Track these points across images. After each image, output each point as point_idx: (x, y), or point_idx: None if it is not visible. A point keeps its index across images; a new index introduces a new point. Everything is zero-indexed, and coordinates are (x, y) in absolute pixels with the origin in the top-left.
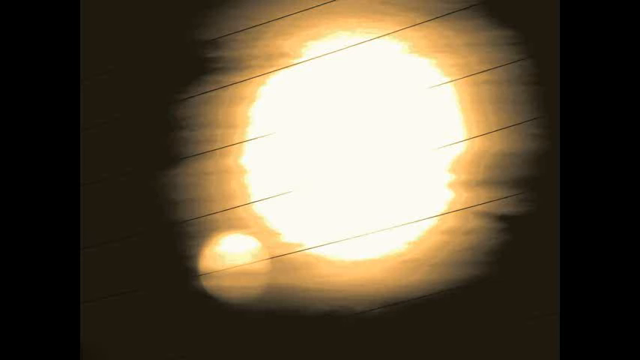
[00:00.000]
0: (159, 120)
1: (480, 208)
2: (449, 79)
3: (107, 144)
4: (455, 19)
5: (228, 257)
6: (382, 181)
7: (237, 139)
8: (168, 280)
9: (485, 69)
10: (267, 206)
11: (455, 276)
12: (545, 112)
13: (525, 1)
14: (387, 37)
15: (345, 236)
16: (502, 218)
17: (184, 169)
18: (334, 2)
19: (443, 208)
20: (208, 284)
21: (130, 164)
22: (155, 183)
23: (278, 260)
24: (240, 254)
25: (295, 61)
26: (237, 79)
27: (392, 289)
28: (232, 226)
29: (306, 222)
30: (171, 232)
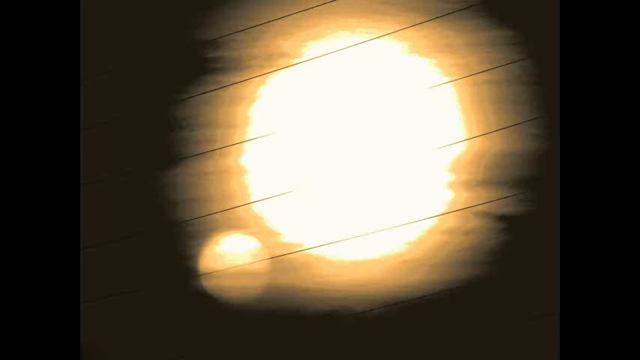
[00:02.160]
0: (159, 120)
1: (480, 208)
2: (449, 79)
3: (107, 144)
4: (455, 19)
5: (228, 257)
6: (382, 181)
7: (237, 139)
8: (168, 280)
9: (485, 69)
10: (267, 206)
11: (455, 276)
12: (545, 112)
13: (525, 1)
14: (387, 37)
15: (345, 236)
16: (502, 218)
17: (184, 169)
18: (334, 2)
19: (443, 208)
20: (208, 284)
21: (130, 164)
22: (155, 183)
23: (278, 260)
24: (240, 254)
25: (295, 61)
26: (237, 79)
27: (392, 289)
28: (232, 226)
29: (306, 222)
30: (171, 232)
